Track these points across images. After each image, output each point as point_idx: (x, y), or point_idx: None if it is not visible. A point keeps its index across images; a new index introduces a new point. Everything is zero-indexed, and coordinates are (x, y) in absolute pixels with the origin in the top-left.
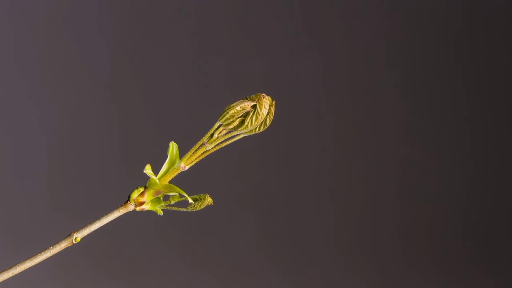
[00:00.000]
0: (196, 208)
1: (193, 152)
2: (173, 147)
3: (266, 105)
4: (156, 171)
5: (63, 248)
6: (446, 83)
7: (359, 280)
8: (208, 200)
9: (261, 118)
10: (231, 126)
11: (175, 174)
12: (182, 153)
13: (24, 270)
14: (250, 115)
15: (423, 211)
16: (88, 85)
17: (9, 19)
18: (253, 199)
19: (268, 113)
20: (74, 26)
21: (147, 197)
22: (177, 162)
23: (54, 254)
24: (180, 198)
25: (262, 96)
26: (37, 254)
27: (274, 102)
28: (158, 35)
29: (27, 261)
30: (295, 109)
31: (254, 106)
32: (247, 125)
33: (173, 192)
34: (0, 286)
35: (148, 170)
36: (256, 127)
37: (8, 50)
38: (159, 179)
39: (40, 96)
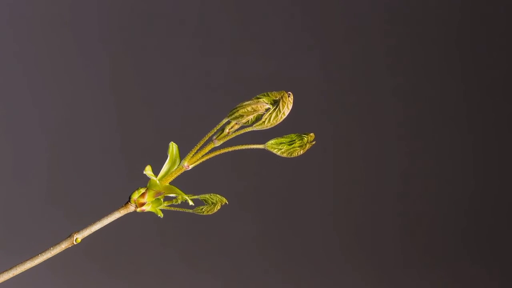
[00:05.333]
0: (203, 212)
1: (197, 150)
2: (172, 147)
3: (289, 104)
4: (158, 172)
5: (63, 249)
6: (448, 83)
7: (359, 279)
8: (222, 201)
9: (280, 117)
10: (244, 121)
11: (178, 174)
12: (183, 153)
13: (24, 271)
14: (270, 112)
15: (424, 211)
16: (88, 86)
17: (9, 21)
18: (254, 199)
19: (302, 146)
20: (74, 27)
21: (147, 198)
22: (177, 162)
23: (55, 255)
24: (184, 199)
25: (287, 95)
26: (38, 255)
27: (314, 142)
28: (159, 35)
29: (28, 262)
30: (296, 109)
31: (276, 102)
32: (264, 122)
33: (174, 193)
34: (0, 286)
35: (148, 171)
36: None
37: (9, 51)
38: (159, 180)
39: (40, 97)
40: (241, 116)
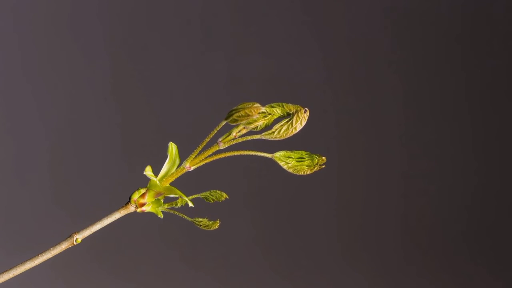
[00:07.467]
0: (201, 226)
1: (199, 152)
2: (172, 147)
3: (303, 121)
4: (158, 173)
5: (63, 249)
6: (448, 83)
7: (361, 279)
8: (223, 196)
9: (291, 132)
10: (252, 126)
11: (179, 175)
12: (182, 153)
13: (24, 271)
14: (281, 124)
15: (425, 212)
16: (90, 86)
17: (11, 21)
18: (255, 200)
19: (311, 166)
20: (76, 27)
21: (147, 199)
22: (177, 162)
23: (55, 255)
24: (184, 202)
25: (303, 110)
26: (38, 255)
27: (324, 166)
28: (160, 35)
29: (28, 262)
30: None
31: (289, 115)
32: (274, 132)
33: (174, 194)
34: (0, 286)
35: (148, 171)
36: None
37: (11, 51)
38: (159, 180)
39: (42, 98)
40: (236, 120)
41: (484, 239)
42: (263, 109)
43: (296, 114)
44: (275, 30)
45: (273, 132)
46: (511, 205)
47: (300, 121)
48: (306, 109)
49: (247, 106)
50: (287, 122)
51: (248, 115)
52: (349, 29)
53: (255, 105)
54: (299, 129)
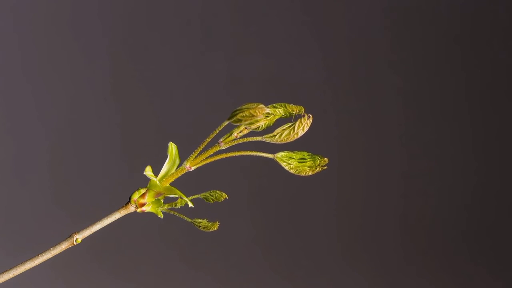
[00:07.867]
0: (200, 227)
1: (200, 152)
2: (172, 147)
3: (305, 127)
4: (159, 173)
5: (63, 249)
6: (448, 83)
7: (361, 280)
8: (222, 196)
9: (293, 137)
10: (254, 126)
11: (179, 175)
12: (183, 153)
13: (24, 271)
14: (284, 128)
15: (425, 212)
16: (90, 86)
17: (12, 19)
18: (255, 200)
19: (312, 167)
20: (76, 27)
21: (147, 199)
22: (177, 162)
23: (55, 255)
24: (184, 202)
25: (306, 117)
26: (38, 255)
27: (326, 167)
28: (160, 35)
29: (28, 262)
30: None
31: (291, 116)
32: (275, 136)
33: (174, 194)
34: (0, 286)
35: (148, 171)
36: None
37: (11, 51)
38: (159, 180)
39: (42, 98)
40: (239, 120)
41: (484, 239)
42: (267, 109)
43: (299, 120)
44: (275, 30)
45: (274, 135)
46: (511, 205)
47: (303, 127)
48: (310, 115)
49: (251, 106)
50: (290, 127)
51: (253, 116)
52: (349, 29)
53: (260, 105)
54: (301, 135)
